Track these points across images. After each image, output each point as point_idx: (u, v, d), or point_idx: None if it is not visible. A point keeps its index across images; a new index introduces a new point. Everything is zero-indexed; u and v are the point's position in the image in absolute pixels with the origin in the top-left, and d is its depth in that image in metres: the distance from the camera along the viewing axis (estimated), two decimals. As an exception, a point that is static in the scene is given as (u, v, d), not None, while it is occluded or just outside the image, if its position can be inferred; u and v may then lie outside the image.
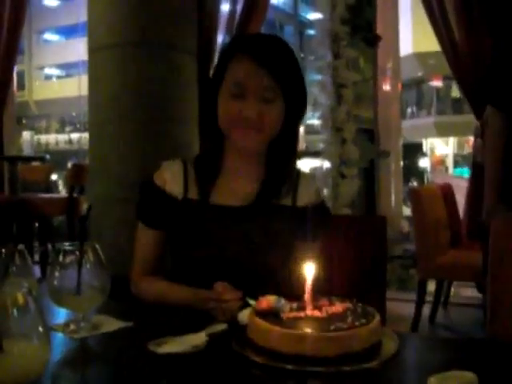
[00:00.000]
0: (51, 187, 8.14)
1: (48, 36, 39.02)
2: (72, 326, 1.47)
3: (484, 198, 2.79)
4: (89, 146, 3.79)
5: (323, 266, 1.35)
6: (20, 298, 0.98)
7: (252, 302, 1.39)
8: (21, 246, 1.52)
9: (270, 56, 1.71)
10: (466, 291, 5.58)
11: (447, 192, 5.05)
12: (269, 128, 1.75)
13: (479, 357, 1.31)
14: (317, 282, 1.34)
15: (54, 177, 17.24)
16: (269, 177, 1.86)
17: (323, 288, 1.40)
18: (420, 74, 23.54)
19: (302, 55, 29.13)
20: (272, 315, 1.27)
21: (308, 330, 1.20)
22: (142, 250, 1.91)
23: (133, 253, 1.92)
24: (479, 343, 1.53)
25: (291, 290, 1.59)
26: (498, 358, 1.31)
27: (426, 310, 4.63)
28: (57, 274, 1.46)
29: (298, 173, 1.93)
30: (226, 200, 1.83)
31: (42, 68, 38.60)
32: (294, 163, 1.93)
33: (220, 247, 1.78)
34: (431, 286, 4.76)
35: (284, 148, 1.83)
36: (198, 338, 1.33)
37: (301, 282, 1.35)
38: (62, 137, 34.07)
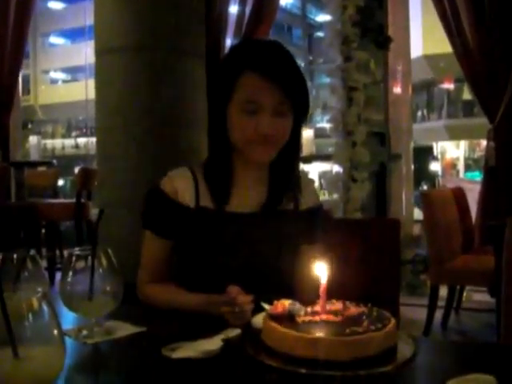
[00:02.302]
0: (58, 192, 8.16)
1: (54, 39, 39.09)
2: (85, 332, 1.48)
3: (498, 201, 2.80)
4: (96, 151, 3.80)
5: (332, 268, 1.35)
6: (35, 303, 0.99)
7: (266, 306, 1.40)
8: (32, 252, 1.54)
9: (280, 71, 1.74)
10: (478, 296, 5.57)
11: (459, 196, 5.05)
12: (281, 141, 1.81)
13: (495, 361, 1.32)
14: (328, 284, 1.35)
15: (60, 182, 17.30)
16: (275, 183, 1.91)
17: (335, 291, 1.40)
18: (431, 76, 23.49)
19: (310, 58, 29.10)
20: (287, 319, 1.27)
21: (323, 334, 1.20)
22: (149, 259, 1.93)
23: (140, 260, 1.94)
24: (494, 347, 1.54)
25: (303, 294, 1.61)
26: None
27: (438, 315, 4.63)
28: (69, 279, 1.48)
29: (298, 177, 1.97)
30: (238, 207, 1.87)
31: (47, 72, 38.69)
32: (298, 168, 1.97)
33: (234, 254, 1.81)
34: (443, 291, 4.75)
35: (289, 154, 1.87)
36: (213, 343, 1.35)
37: (312, 285, 1.36)
38: (69, 141, 34.12)
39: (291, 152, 1.88)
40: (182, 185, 1.86)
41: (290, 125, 1.80)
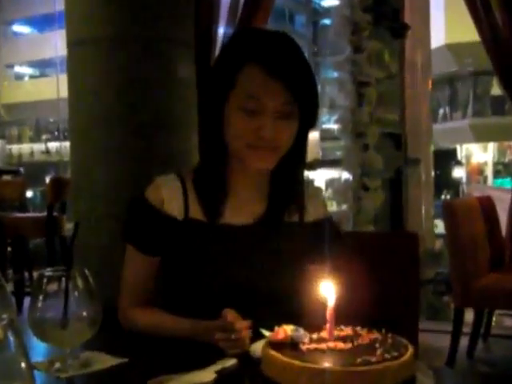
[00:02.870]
0: (27, 205, 8.15)
1: (18, 28, 38.85)
2: (57, 364, 1.48)
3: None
4: (70, 157, 3.79)
5: (342, 289, 1.36)
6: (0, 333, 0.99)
7: (266, 332, 1.40)
8: (-3, 274, 1.54)
9: (288, 67, 1.75)
10: (509, 321, 5.58)
11: (487, 205, 5.05)
12: (284, 147, 1.81)
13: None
14: (336, 307, 1.36)
15: (29, 193, 17.26)
16: (277, 192, 1.92)
17: (344, 316, 1.41)
18: (454, 68, 23.50)
19: (315, 49, 29.13)
20: (289, 347, 1.27)
21: (331, 364, 1.20)
22: (132, 279, 1.94)
23: (120, 280, 1.94)
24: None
25: (308, 318, 1.62)
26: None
27: (464, 343, 4.63)
28: (40, 304, 1.47)
29: (304, 186, 1.99)
30: (233, 219, 1.88)
31: (11, 66, 38.57)
32: (302, 176, 1.98)
33: (230, 272, 1.82)
34: (469, 315, 4.75)
35: (292, 160, 1.89)
36: (205, 376, 1.35)
37: (318, 308, 1.37)
38: (38, 146, 34.01)
39: (295, 158, 1.89)
40: (168, 194, 1.87)
41: (295, 129, 1.81)
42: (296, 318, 1.57)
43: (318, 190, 2.08)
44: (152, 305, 1.92)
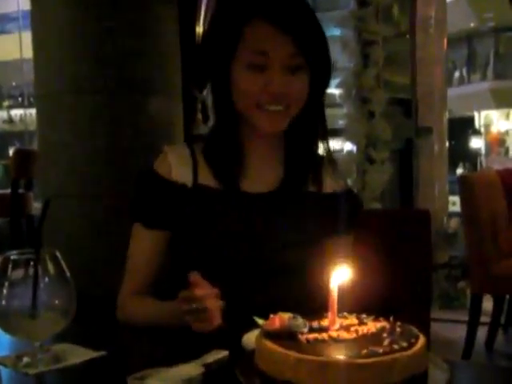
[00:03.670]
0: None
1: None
2: (26, 359, 1.48)
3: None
4: (37, 126, 3.77)
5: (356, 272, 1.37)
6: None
7: (260, 321, 1.41)
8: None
9: (293, 19, 1.81)
10: (533, 310, 5.60)
11: (508, 180, 5.05)
12: (295, 104, 1.86)
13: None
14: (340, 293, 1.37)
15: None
16: (292, 159, 1.98)
17: (347, 303, 1.42)
18: (473, 24, 23.42)
19: (314, 2, 28.98)
20: (287, 337, 1.28)
21: (333, 356, 1.22)
22: (138, 260, 1.97)
23: (126, 266, 1.97)
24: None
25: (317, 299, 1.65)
26: None
27: (482, 334, 4.65)
28: (5, 291, 1.47)
29: (321, 157, 2.05)
30: (246, 187, 1.93)
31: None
32: (324, 142, 2.02)
33: (241, 244, 1.87)
34: (487, 304, 4.77)
35: (308, 125, 1.95)
36: (192, 370, 1.36)
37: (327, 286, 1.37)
38: (0, 114, 33.88)
39: (310, 123, 1.95)
40: (176, 159, 1.93)
41: (305, 84, 1.85)
42: (309, 294, 1.61)
43: (335, 161, 2.11)
44: (156, 290, 1.95)
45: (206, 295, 1.58)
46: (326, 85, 1.95)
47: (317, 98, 1.92)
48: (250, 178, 1.93)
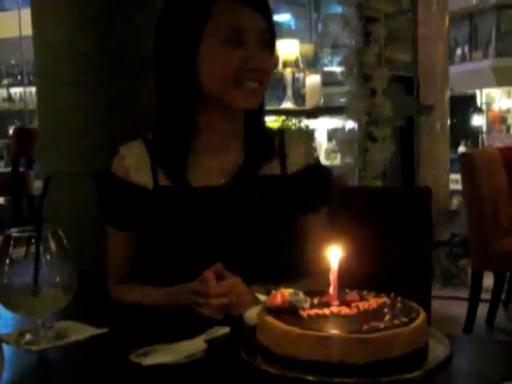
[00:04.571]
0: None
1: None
2: (28, 336, 1.49)
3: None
4: (37, 105, 3.77)
5: (336, 241, 1.37)
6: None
7: (262, 297, 1.42)
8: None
9: None
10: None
11: (510, 158, 5.06)
12: (269, 79, 1.88)
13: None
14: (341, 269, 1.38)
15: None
16: (251, 141, 1.96)
17: (348, 280, 1.43)
18: (474, 1, 23.34)
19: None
20: (288, 313, 1.29)
21: (334, 331, 1.22)
22: (116, 256, 2.00)
23: (107, 259, 2.01)
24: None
25: (301, 275, 1.66)
26: None
27: (482, 311, 4.67)
28: (6, 269, 1.47)
29: (282, 133, 2.03)
30: (205, 180, 1.90)
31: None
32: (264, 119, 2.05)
33: (207, 238, 1.86)
34: (488, 281, 4.79)
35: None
36: (194, 346, 1.37)
37: (315, 264, 1.38)
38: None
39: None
40: (134, 162, 1.92)
41: (272, 57, 1.89)
42: (283, 276, 1.62)
43: (301, 135, 2.13)
44: (137, 280, 1.96)
45: (215, 293, 1.60)
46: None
47: None
48: (206, 169, 1.91)
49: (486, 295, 4.73)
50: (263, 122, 2.01)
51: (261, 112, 1.97)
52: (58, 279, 1.49)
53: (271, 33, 1.85)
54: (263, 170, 1.94)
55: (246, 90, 1.81)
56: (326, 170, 2.08)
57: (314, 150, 2.10)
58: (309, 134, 2.11)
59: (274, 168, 1.95)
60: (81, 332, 1.52)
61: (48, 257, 1.48)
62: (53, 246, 1.50)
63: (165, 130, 1.92)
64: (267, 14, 1.82)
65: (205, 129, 1.91)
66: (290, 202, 1.92)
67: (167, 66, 1.89)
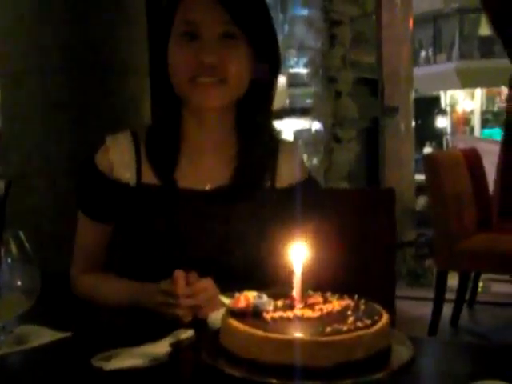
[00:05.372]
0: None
1: None
2: (-13, 340, 1.48)
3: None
4: (1, 104, 3.75)
5: (313, 253, 1.37)
6: None
7: (226, 300, 1.41)
8: None
9: None
10: (497, 286, 5.67)
11: (473, 159, 5.10)
12: (233, 77, 1.78)
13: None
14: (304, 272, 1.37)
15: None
16: (243, 151, 1.89)
17: (312, 281, 1.42)
18: (438, 5, 23.53)
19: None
20: (252, 316, 1.28)
21: (298, 334, 1.22)
22: (83, 245, 1.96)
23: (73, 246, 1.96)
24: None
25: (280, 287, 1.64)
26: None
27: (447, 311, 4.70)
28: (-34, 272, 1.46)
29: (277, 143, 1.97)
30: (192, 182, 1.86)
31: None
32: (270, 130, 1.95)
33: (187, 244, 1.82)
34: (453, 281, 4.82)
35: (258, 111, 1.88)
36: (158, 349, 1.36)
37: (288, 275, 1.37)
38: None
39: (261, 106, 1.89)
40: (118, 157, 1.87)
41: (241, 53, 1.78)
42: (263, 288, 1.60)
43: (294, 146, 2.04)
44: (105, 271, 1.94)
45: (184, 293, 1.59)
46: (277, 62, 1.89)
47: (267, 84, 1.87)
48: (193, 173, 1.87)
49: (451, 295, 4.76)
50: (261, 134, 1.91)
51: (258, 122, 1.89)
52: (19, 283, 1.48)
53: (242, 23, 1.76)
54: (254, 183, 1.89)
55: (202, 86, 1.76)
56: (316, 186, 2.05)
57: (305, 163, 2.08)
58: (296, 145, 2.04)
59: (264, 181, 1.91)
60: (43, 336, 1.50)
61: (9, 260, 1.46)
62: (14, 249, 1.48)
63: (155, 130, 1.89)
64: (231, 6, 1.74)
65: (192, 134, 1.88)
66: (275, 216, 1.87)
67: (151, 68, 1.88)
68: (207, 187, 1.86)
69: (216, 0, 1.73)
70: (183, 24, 1.75)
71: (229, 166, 1.88)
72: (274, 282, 1.73)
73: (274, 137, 1.96)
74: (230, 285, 1.64)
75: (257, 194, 1.88)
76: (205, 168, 1.88)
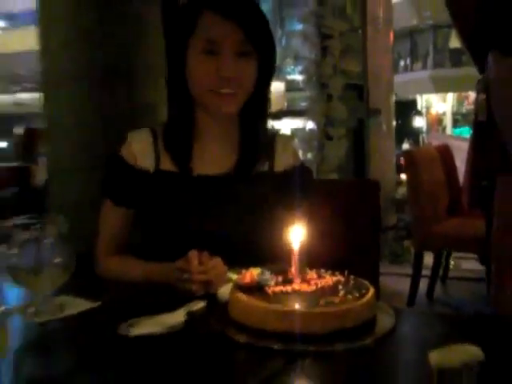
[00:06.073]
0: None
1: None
2: (32, 309, 1.48)
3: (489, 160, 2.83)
4: (44, 109, 3.74)
5: (313, 234, 1.37)
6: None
7: (233, 276, 1.41)
8: (-29, 222, 1.53)
9: (239, 9, 1.79)
10: (466, 263, 5.66)
11: (445, 154, 5.09)
12: (246, 88, 1.82)
13: (483, 332, 1.34)
14: (301, 251, 1.37)
15: (2, 144, 17.02)
16: (246, 141, 1.92)
17: (308, 260, 1.42)
18: (414, 22, 23.47)
19: (280, 1, 28.86)
20: (256, 290, 1.30)
21: (296, 306, 1.23)
22: (109, 229, 1.95)
23: (98, 230, 1.96)
24: (482, 318, 1.57)
25: (278, 261, 1.65)
26: (502, 334, 1.34)
27: (423, 285, 4.70)
28: (15, 250, 1.47)
29: (274, 135, 2.01)
30: (204, 169, 1.89)
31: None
32: (265, 125, 1.98)
33: (200, 222, 1.83)
34: (428, 259, 4.82)
35: (257, 109, 1.91)
36: (175, 317, 1.36)
37: (287, 252, 1.38)
38: (8, 98, 33.50)
39: (259, 107, 1.91)
40: (140, 148, 1.89)
41: (254, 68, 1.82)
42: (265, 261, 1.61)
43: (288, 139, 2.08)
44: (126, 252, 1.94)
45: (197, 270, 1.60)
46: (272, 71, 1.92)
47: (264, 86, 1.89)
48: (207, 161, 1.90)
49: (426, 271, 4.76)
50: (261, 126, 1.95)
51: (258, 117, 1.93)
52: (58, 260, 1.48)
53: (255, 42, 1.80)
54: (255, 168, 1.92)
55: (221, 95, 1.79)
56: (308, 172, 2.07)
57: (298, 153, 2.10)
58: (291, 138, 2.08)
59: (263, 166, 1.94)
60: (77, 306, 1.51)
61: (49, 240, 1.47)
62: (53, 231, 1.48)
63: (172, 125, 1.92)
64: (246, 27, 1.77)
65: (203, 128, 1.90)
66: (275, 197, 1.90)
67: (168, 73, 1.89)
68: (216, 172, 1.89)
69: (233, 21, 1.75)
70: (205, 42, 1.77)
71: (233, 153, 1.91)
72: (273, 257, 1.73)
73: (269, 130, 2.00)
74: (236, 257, 1.67)
75: (258, 176, 1.92)
76: (214, 155, 1.91)
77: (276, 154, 1.97)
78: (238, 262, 1.64)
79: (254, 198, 1.89)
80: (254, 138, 1.92)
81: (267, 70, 1.88)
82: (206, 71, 1.78)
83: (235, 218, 1.85)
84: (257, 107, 1.89)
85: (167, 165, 1.88)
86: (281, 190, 1.92)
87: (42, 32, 3.67)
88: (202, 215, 1.84)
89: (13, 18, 36.22)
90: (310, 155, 5.79)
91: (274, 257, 1.74)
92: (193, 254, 1.63)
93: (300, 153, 6.13)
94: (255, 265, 1.42)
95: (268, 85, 1.92)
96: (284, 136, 2.06)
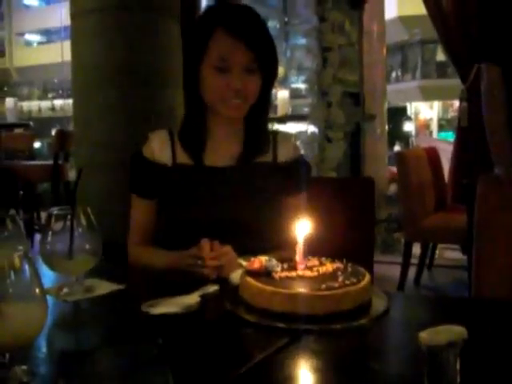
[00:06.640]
0: (35, 154, 8.06)
1: (28, 1, 38.32)
2: (65, 290, 1.49)
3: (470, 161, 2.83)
4: (73, 113, 3.76)
5: (314, 226, 1.37)
6: (17, 261, 0.98)
7: (244, 262, 1.41)
8: (12, 212, 1.53)
9: (251, 32, 1.82)
10: (450, 253, 5.65)
11: (432, 155, 5.08)
12: (252, 97, 1.87)
13: (466, 313, 1.36)
14: (306, 241, 1.37)
15: (37, 144, 17.10)
16: (249, 137, 1.97)
17: (311, 249, 1.42)
18: (405, 37, 23.46)
19: (286, 19, 28.84)
20: (264, 275, 1.30)
21: (300, 289, 1.23)
22: (137, 220, 1.99)
23: (129, 223, 1.99)
24: (464, 301, 1.57)
25: (281, 246, 1.66)
26: (484, 315, 1.35)
27: (412, 272, 4.69)
28: (49, 238, 1.48)
29: (276, 132, 2.05)
30: (215, 161, 1.93)
31: (22, 34, 37.97)
32: (266, 123, 2.03)
33: (210, 207, 1.85)
34: (416, 249, 4.81)
35: (260, 111, 1.95)
36: (191, 299, 1.36)
37: (292, 237, 1.38)
38: (45, 103, 33.66)
39: (262, 109, 1.95)
40: (158, 145, 1.94)
41: (259, 82, 1.87)
42: (268, 245, 1.67)
43: (289, 135, 2.10)
44: (154, 240, 1.97)
45: (209, 256, 1.62)
46: (273, 82, 1.96)
47: (266, 93, 1.93)
48: (217, 154, 1.94)
49: (414, 260, 4.74)
50: (263, 125, 1.99)
51: (260, 118, 1.97)
52: (87, 246, 1.49)
53: (261, 62, 1.84)
54: (259, 159, 1.95)
55: (231, 105, 1.84)
56: (307, 164, 2.10)
57: (299, 147, 2.13)
58: (292, 135, 2.12)
59: (267, 158, 1.97)
60: (104, 287, 1.52)
61: (80, 229, 1.48)
62: (83, 221, 1.49)
63: (187, 124, 1.96)
64: (256, 47, 1.81)
65: (214, 127, 1.95)
66: (278, 185, 1.93)
67: (185, 82, 1.93)
68: (226, 163, 1.93)
69: (243, 42, 1.79)
70: (218, 59, 1.81)
71: (240, 147, 1.95)
72: (279, 243, 1.73)
73: (271, 129, 2.06)
74: (245, 242, 1.71)
75: (263, 166, 1.95)
76: (223, 150, 1.95)
77: (278, 147, 2.00)
78: (245, 243, 1.68)
79: (258, 184, 1.91)
80: (257, 134, 1.96)
81: (269, 82, 1.92)
82: (218, 85, 1.82)
83: (242, 204, 1.87)
84: (259, 110, 1.94)
85: (183, 159, 1.93)
86: (283, 179, 1.95)
87: (73, 45, 3.68)
88: (214, 201, 1.86)
89: (48, 34, 36.39)
90: (311, 156, 5.79)
91: (279, 243, 1.74)
92: (204, 242, 1.65)
93: (302, 152, 6.16)
94: (261, 247, 1.43)
95: (269, 91, 1.96)
96: (285, 133, 2.11)
